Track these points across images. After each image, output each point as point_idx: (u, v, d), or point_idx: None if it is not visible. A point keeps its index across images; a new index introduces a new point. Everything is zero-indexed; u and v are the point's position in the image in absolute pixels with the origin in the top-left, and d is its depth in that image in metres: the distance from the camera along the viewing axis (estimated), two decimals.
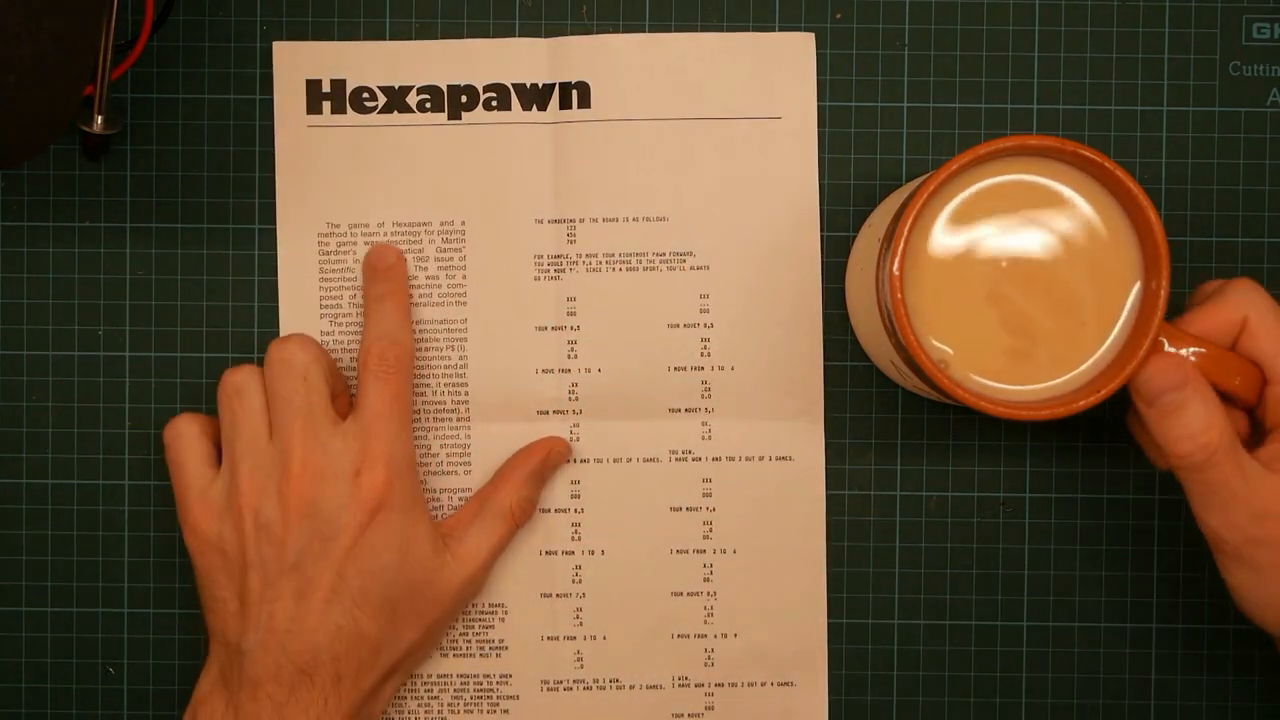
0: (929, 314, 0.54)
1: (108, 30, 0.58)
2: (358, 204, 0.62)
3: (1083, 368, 0.54)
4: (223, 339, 0.63)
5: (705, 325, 0.62)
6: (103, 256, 0.62)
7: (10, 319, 0.62)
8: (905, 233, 0.53)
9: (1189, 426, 0.53)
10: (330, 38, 0.62)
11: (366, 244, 0.62)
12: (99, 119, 0.60)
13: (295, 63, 0.62)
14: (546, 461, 0.62)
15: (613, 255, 0.62)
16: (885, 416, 0.63)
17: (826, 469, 0.63)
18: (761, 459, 0.63)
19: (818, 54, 0.62)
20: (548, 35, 0.62)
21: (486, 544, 0.61)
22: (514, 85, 0.62)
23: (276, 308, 0.62)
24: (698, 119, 0.62)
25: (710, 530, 0.63)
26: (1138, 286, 0.54)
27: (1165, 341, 0.54)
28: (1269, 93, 0.62)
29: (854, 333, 0.62)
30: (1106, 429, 0.63)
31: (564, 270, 0.62)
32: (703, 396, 0.62)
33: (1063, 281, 0.54)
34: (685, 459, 0.63)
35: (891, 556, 0.63)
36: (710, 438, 0.62)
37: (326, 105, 0.62)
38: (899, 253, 0.53)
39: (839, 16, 0.62)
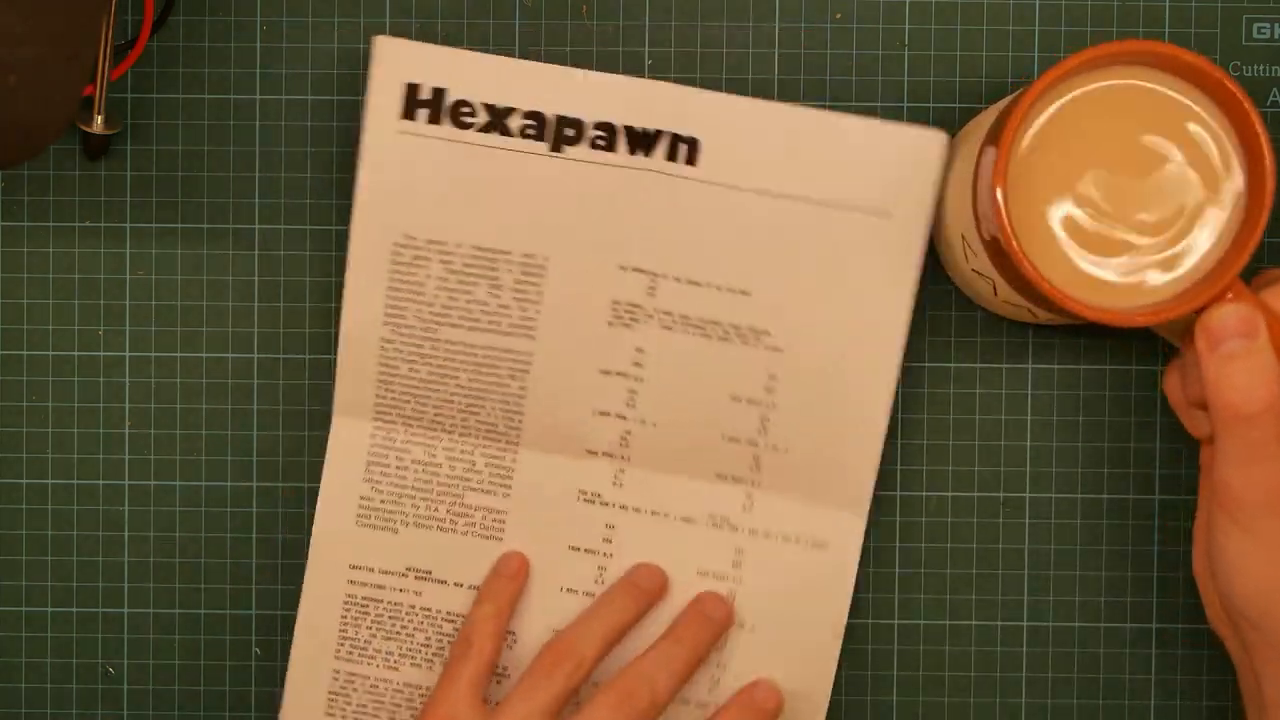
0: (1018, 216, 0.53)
1: (108, 30, 0.58)
2: (438, 220, 0.59)
3: (1157, 298, 0.53)
4: (223, 339, 0.63)
5: (768, 405, 0.60)
6: (103, 256, 0.62)
7: (10, 319, 0.62)
8: (1013, 127, 0.51)
9: (1247, 377, 0.52)
10: (329, 39, 0.62)
11: (442, 263, 0.60)
12: (99, 119, 0.60)
13: (396, 61, 0.59)
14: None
15: (689, 317, 0.60)
16: None
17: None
18: (798, 540, 0.61)
19: (818, 54, 0.62)
20: (651, 75, 0.61)
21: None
22: (625, 127, 0.59)
23: (277, 308, 0.62)
24: (803, 199, 0.59)
25: (734, 603, 0.62)
26: (1225, 222, 0.53)
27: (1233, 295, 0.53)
28: (1269, 93, 0.62)
29: (943, 263, 0.60)
30: (1107, 429, 0.63)
31: (638, 320, 0.60)
32: (751, 469, 0.61)
33: (1157, 201, 0.53)
34: (722, 526, 0.61)
35: (892, 556, 0.63)
36: (751, 509, 0.61)
37: (422, 113, 0.59)
38: (1007, 145, 0.51)
39: (839, 16, 0.62)
